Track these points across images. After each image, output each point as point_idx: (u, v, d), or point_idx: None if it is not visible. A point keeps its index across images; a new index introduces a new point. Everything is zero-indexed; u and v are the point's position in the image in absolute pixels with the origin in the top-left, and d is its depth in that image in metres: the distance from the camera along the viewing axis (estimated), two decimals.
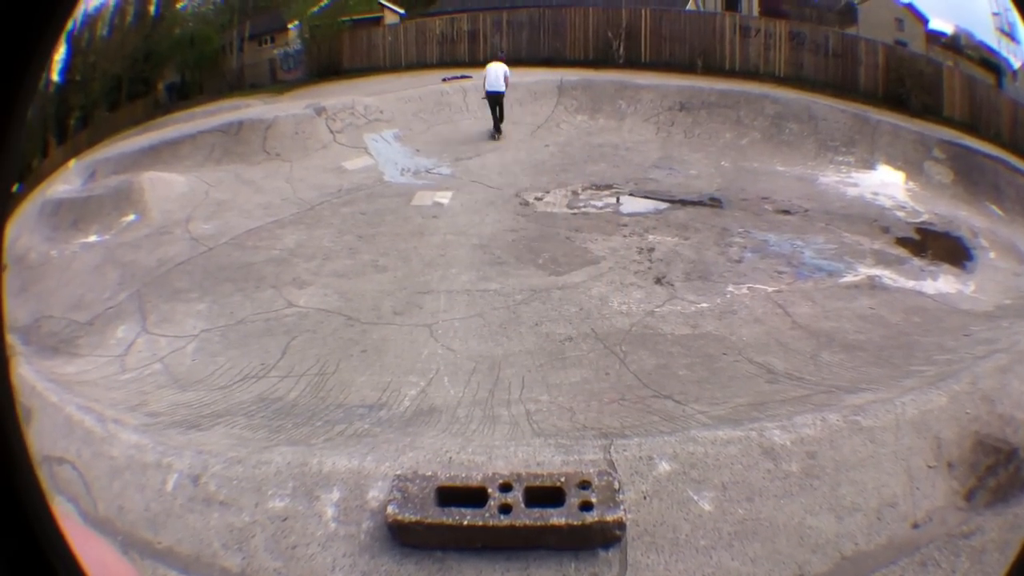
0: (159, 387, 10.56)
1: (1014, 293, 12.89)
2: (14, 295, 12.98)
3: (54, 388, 9.58)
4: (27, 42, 1.16)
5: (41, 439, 8.55)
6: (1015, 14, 16.70)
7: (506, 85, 20.64)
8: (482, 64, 25.91)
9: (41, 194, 17.51)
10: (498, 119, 21.12)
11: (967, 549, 6.90)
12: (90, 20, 24.61)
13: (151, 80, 27.16)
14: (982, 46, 21.66)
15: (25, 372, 9.78)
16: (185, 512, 7.45)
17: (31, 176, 18.35)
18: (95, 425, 8.60)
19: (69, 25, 1.29)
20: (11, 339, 1.47)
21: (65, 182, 18.77)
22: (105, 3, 25.39)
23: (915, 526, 7.16)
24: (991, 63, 21.29)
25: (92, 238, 15.74)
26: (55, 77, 21.63)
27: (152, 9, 28.42)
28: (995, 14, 20.56)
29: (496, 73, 20.58)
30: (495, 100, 20.80)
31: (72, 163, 20.41)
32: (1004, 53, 20.75)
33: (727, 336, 11.29)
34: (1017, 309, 11.93)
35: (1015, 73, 20.71)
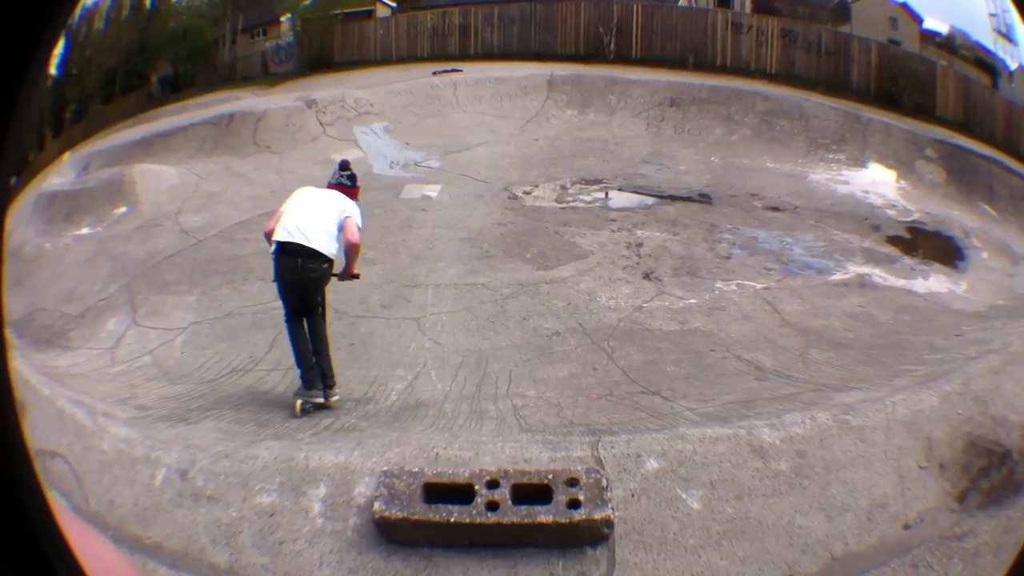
0: (148, 380, 10.54)
1: (1007, 294, 12.90)
2: (10, 288, 12.95)
3: (46, 381, 9.54)
4: (28, 39, 1.15)
5: (35, 433, 8.52)
6: (1015, 16, 16.71)
7: (346, 247, 9.56)
8: (472, 58, 25.87)
9: (36, 187, 17.46)
10: (317, 348, 9.67)
11: (960, 551, 6.88)
12: (88, 14, 24.57)
13: (145, 73, 27.12)
14: (977, 47, 21.68)
15: (19, 365, 9.75)
16: (173, 507, 7.41)
17: (27, 169, 18.28)
18: (86, 419, 8.57)
19: (70, 21, 1.28)
20: (8, 333, 1.46)
21: (60, 175, 18.72)
22: None
23: (906, 527, 7.14)
24: (986, 64, 21.30)
25: (84, 231, 15.70)
26: (52, 71, 21.56)
27: (148, 3, 28.38)
28: (992, 15, 20.58)
29: (315, 210, 9.53)
30: (302, 282, 9.44)
31: (67, 156, 20.36)
32: (1000, 54, 20.78)
33: (715, 332, 11.29)
34: (1010, 310, 11.93)
35: (1011, 74, 20.71)
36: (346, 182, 10.15)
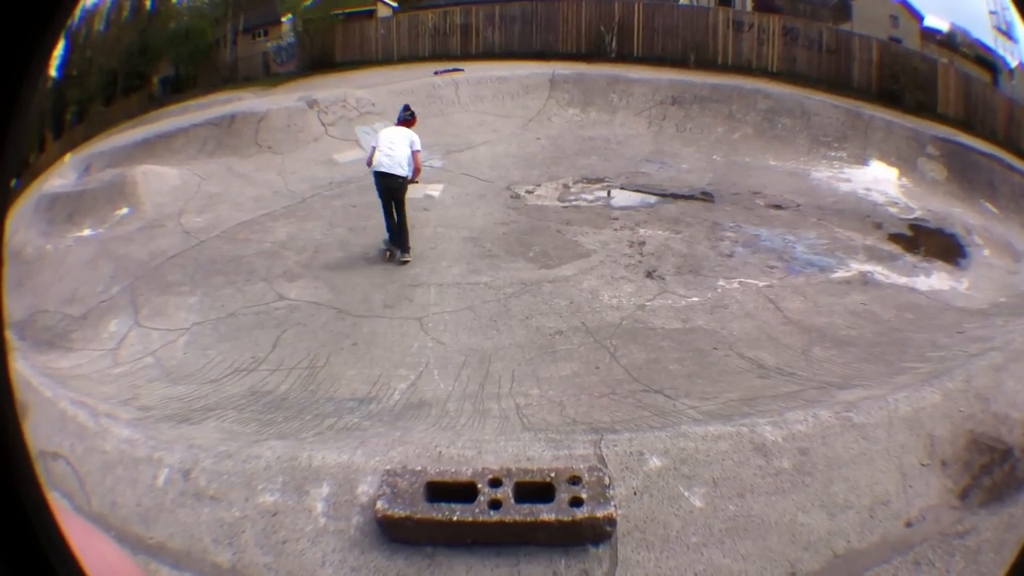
0: (151, 381, 10.55)
1: (1009, 291, 12.89)
2: (11, 290, 12.96)
3: (48, 383, 9.56)
4: (28, 41, 1.16)
5: (36, 434, 8.53)
6: (1014, 13, 16.69)
7: (413, 166, 14.01)
8: (474, 57, 25.90)
9: (37, 188, 17.48)
10: (399, 224, 14.34)
11: (962, 548, 6.88)
12: (88, 15, 24.56)
13: (146, 74, 27.10)
14: (978, 44, 21.65)
15: (21, 367, 9.76)
16: (176, 507, 7.43)
17: (28, 171, 18.29)
18: (88, 420, 8.58)
19: (69, 22, 1.28)
20: (9, 335, 1.46)
21: (61, 176, 18.73)
22: None
23: (908, 524, 7.14)
24: (987, 61, 21.28)
25: (86, 232, 15.70)
26: (53, 72, 21.56)
27: (148, 3, 28.37)
28: (992, 12, 20.57)
29: (396, 141, 14.06)
30: (392, 189, 14.11)
31: (68, 157, 20.36)
32: (1000, 51, 20.75)
33: (718, 330, 11.29)
34: (1012, 307, 11.91)
35: (1012, 71, 20.70)
36: (408, 117, 14.67)
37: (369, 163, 14.12)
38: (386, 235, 14.42)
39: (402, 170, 13.74)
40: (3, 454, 1.17)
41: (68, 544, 1.19)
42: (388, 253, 14.33)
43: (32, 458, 1.22)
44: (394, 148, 13.79)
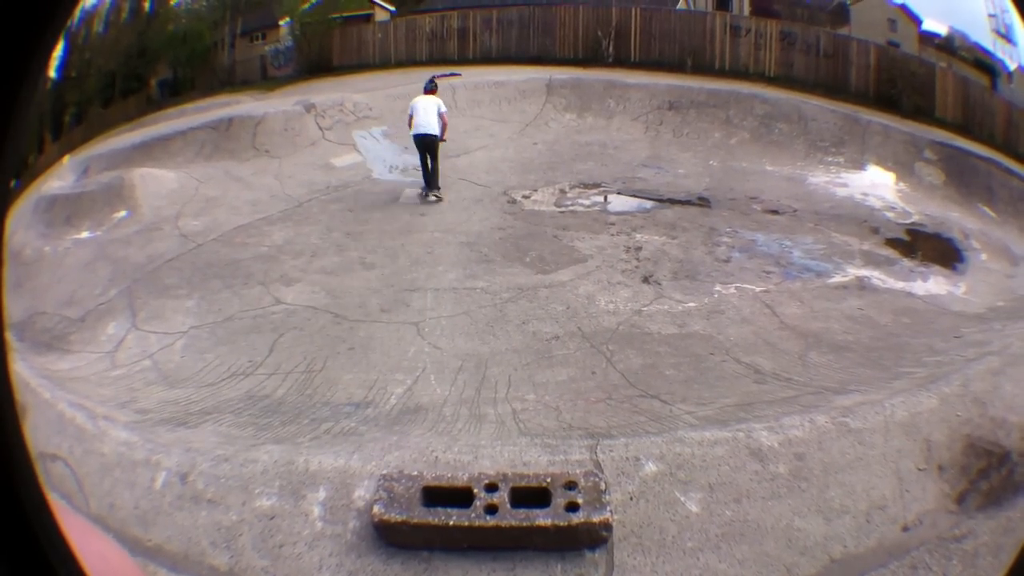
0: (148, 384, 10.56)
1: (1006, 295, 12.90)
2: (10, 291, 12.96)
3: (47, 384, 9.58)
4: (28, 41, 1.16)
5: (35, 435, 8.53)
6: (1015, 16, 16.70)
7: (442, 126, 17.79)
8: (471, 62, 26.00)
9: (36, 190, 17.50)
10: (432, 171, 18.06)
11: (959, 552, 6.89)
12: (87, 17, 24.57)
13: (144, 76, 27.11)
14: (976, 47, 21.65)
15: (19, 368, 9.77)
16: (174, 510, 7.45)
17: (27, 172, 18.31)
18: (86, 422, 8.61)
19: (69, 23, 1.29)
20: (8, 336, 1.47)
21: (59, 178, 18.75)
22: (102, 0, 25.37)
23: (905, 529, 7.16)
24: (985, 65, 21.27)
25: (84, 234, 15.72)
26: (52, 74, 21.56)
27: (147, 6, 28.38)
28: (991, 16, 20.57)
29: (427, 109, 17.80)
30: (426, 146, 17.88)
31: (66, 159, 20.38)
32: (999, 55, 20.74)
33: (714, 336, 11.29)
34: (1009, 311, 11.93)
35: (1010, 75, 20.70)
36: (433, 87, 18.75)
37: (410, 126, 17.98)
38: (422, 182, 18.31)
39: (434, 130, 17.62)
40: (3, 454, 1.17)
41: (68, 544, 1.19)
42: (424, 195, 18.14)
43: (32, 458, 1.22)
44: (427, 113, 17.67)
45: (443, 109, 18.04)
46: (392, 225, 15.79)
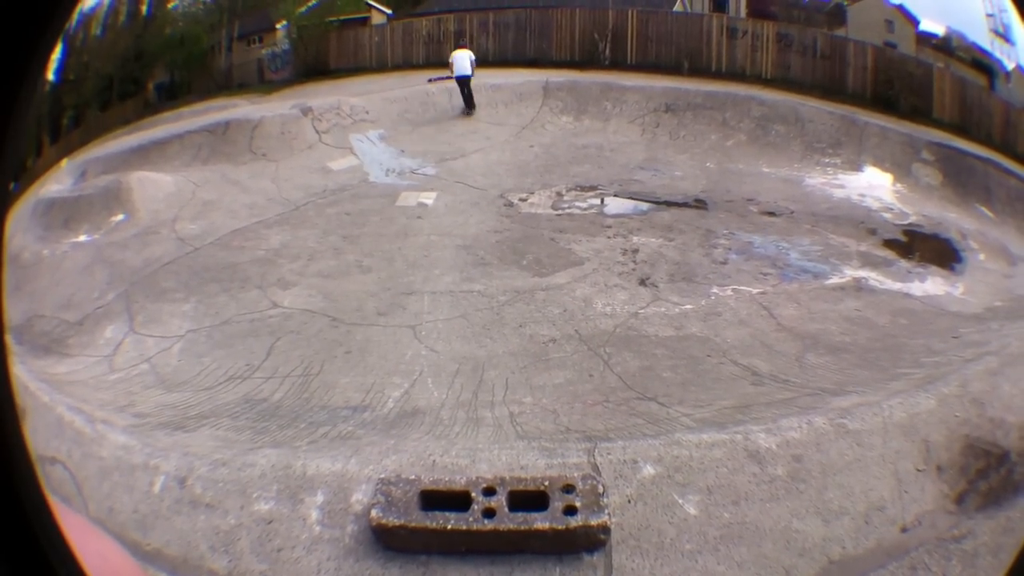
0: (146, 387, 10.57)
1: (1004, 295, 12.90)
2: (9, 294, 12.95)
3: (45, 388, 9.59)
4: (26, 44, 1.16)
5: (34, 439, 8.52)
6: (1014, 15, 16.70)
7: (472, 69, 24.21)
8: None
9: (35, 193, 17.49)
10: (468, 97, 24.57)
11: (958, 553, 6.90)
12: (85, 20, 24.56)
13: (141, 80, 27.09)
14: (974, 47, 21.62)
15: (18, 371, 9.76)
16: (172, 514, 7.46)
17: (26, 175, 18.30)
18: (85, 426, 8.61)
19: (68, 24, 1.29)
20: (8, 339, 1.47)
21: (57, 181, 18.74)
22: (100, 3, 25.35)
23: (904, 530, 7.16)
24: (983, 65, 21.25)
25: (82, 238, 15.72)
26: (50, 77, 21.55)
27: (144, 9, 28.37)
28: (989, 15, 20.56)
29: (463, 59, 24.21)
30: (464, 83, 24.38)
31: (64, 162, 20.38)
32: (997, 55, 20.72)
33: (712, 338, 11.29)
34: (1007, 311, 11.93)
35: (1008, 75, 20.69)
36: (464, 43, 25.13)
37: (450, 71, 23.84)
38: (462, 104, 24.11)
39: (469, 72, 23.60)
40: (3, 455, 1.17)
41: (68, 544, 1.19)
42: (467, 112, 23.99)
43: (32, 459, 1.23)
44: (463, 61, 23.55)
45: (473, 56, 23.94)
46: (389, 228, 15.78)
